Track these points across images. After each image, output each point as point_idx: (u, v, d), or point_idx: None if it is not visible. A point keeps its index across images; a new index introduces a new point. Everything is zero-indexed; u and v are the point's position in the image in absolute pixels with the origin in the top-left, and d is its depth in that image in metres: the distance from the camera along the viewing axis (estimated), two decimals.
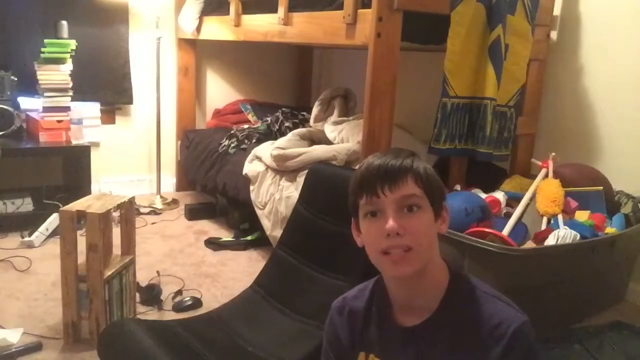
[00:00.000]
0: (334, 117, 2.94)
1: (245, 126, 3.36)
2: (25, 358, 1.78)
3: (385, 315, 1.04)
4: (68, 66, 2.97)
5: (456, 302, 0.98)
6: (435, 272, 1.00)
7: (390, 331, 1.03)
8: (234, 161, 2.93)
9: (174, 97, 3.71)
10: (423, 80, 3.06)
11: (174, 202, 3.53)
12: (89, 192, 2.89)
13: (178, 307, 2.15)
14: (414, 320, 1.00)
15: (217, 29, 3.15)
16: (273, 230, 2.49)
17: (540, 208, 2.15)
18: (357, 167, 1.03)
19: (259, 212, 2.62)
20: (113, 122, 3.56)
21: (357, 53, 3.32)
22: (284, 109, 3.32)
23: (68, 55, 2.97)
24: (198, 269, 2.57)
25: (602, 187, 2.26)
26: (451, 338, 0.97)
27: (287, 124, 3.14)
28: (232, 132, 3.21)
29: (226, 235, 2.98)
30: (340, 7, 2.10)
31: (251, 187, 2.69)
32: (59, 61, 2.94)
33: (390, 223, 0.92)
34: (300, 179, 2.37)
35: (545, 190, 2.18)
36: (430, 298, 0.99)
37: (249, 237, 2.88)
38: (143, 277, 2.34)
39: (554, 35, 2.64)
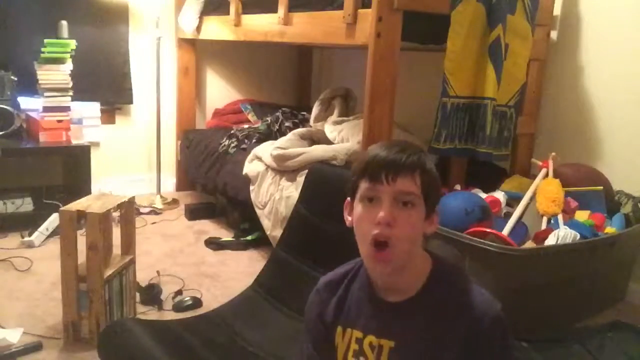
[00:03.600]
0: (334, 117, 2.93)
1: (245, 126, 3.36)
2: (25, 358, 1.78)
3: (368, 292, 1.07)
4: (68, 66, 2.97)
5: (438, 287, 1.02)
6: (417, 262, 1.04)
7: (374, 306, 1.06)
8: (234, 161, 2.93)
9: (174, 97, 3.71)
10: (423, 80, 3.06)
11: (174, 202, 3.53)
12: (89, 192, 2.89)
13: (178, 307, 2.15)
14: (396, 298, 1.03)
15: (217, 29, 3.14)
16: (273, 230, 2.49)
17: (540, 208, 2.15)
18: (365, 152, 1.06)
19: (259, 212, 2.62)
20: (113, 122, 3.56)
21: (357, 53, 3.32)
22: (284, 109, 3.32)
23: (68, 55, 2.97)
24: (198, 269, 2.57)
25: (602, 187, 2.26)
26: (430, 319, 1.00)
27: (287, 124, 3.14)
28: (232, 132, 3.21)
29: (226, 235, 2.98)
30: (340, 7, 2.10)
31: (251, 187, 2.69)
32: (59, 61, 2.94)
33: (382, 214, 0.96)
34: (300, 179, 2.37)
35: (545, 190, 2.18)
36: (412, 283, 1.03)
37: (249, 237, 2.88)
38: (143, 277, 2.34)
39: (554, 35, 2.64)
